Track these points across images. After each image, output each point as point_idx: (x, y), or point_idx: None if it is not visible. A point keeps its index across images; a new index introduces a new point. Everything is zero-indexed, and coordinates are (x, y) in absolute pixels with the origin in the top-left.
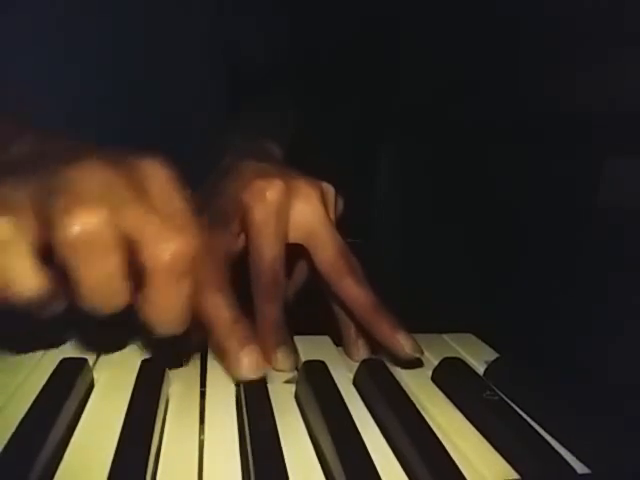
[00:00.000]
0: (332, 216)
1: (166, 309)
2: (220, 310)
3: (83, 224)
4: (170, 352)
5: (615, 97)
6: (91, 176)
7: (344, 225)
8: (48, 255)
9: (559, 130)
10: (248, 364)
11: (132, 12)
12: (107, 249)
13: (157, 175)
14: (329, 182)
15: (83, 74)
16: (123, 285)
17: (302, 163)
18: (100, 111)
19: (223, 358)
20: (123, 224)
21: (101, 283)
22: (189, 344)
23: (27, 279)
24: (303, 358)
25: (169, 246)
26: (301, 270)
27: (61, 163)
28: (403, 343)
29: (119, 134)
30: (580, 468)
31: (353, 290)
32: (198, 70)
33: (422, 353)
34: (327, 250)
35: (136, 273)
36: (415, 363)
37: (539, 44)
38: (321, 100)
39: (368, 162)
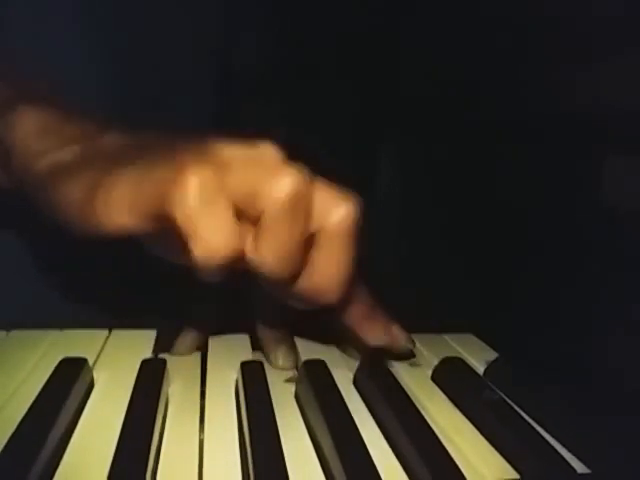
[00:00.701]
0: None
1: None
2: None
3: (296, 184)
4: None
5: (615, 97)
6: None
7: None
8: None
9: (559, 130)
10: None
11: (122, 15)
12: (306, 210)
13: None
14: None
15: (75, 78)
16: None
17: (302, 163)
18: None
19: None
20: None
21: (295, 243)
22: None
23: (230, 234)
24: (303, 358)
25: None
26: None
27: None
28: (397, 335)
29: None
30: (580, 468)
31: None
32: (192, 73)
33: (414, 345)
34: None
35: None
36: (408, 355)
37: (539, 44)
38: (321, 100)
39: (368, 162)
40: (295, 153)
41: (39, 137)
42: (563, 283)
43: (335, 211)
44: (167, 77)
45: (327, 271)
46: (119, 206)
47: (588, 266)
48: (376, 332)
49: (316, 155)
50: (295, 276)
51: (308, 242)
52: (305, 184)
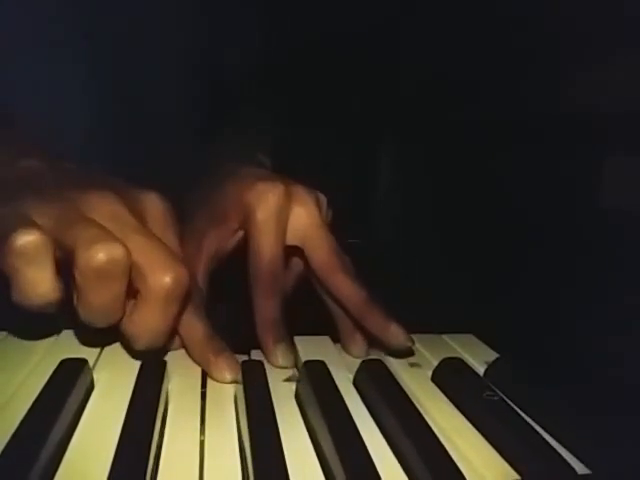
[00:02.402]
0: (326, 221)
1: (152, 328)
2: (195, 329)
3: (104, 257)
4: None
5: (615, 97)
6: (106, 207)
7: (344, 225)
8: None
9: (559, 130)
10: (228, 367)
11: (113, 26)
12: (119, 277)
13: (155, 208)
14: (329, 182)
15: (65, 89)
16: (122, 305)
17: (302, 163)
18: (83, 127)
19: (203, 366)
20: (132, 253)
21: (106, 304)
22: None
23: (47, 290)
24: (303, 358)
25: (169, 275)
26: (297, 271)
27: (78, 190)
28: (396, 333)
29: (102, 150)
30: (580, 468)
31: (346, 286)
32: (184, 81)
33: (413, 343)
34: (321, 250)
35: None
36: (407, 352)
37: (539, 44)
38: (321, 100)
39: (368, 162)
40: (295, 153)
41: None
42: (563, 283)
43: (163, 275)
44: (150, 90)
45: (144, 323)
46: None
47: (588, 266)
48: (375, 330)
49: (316, 155)
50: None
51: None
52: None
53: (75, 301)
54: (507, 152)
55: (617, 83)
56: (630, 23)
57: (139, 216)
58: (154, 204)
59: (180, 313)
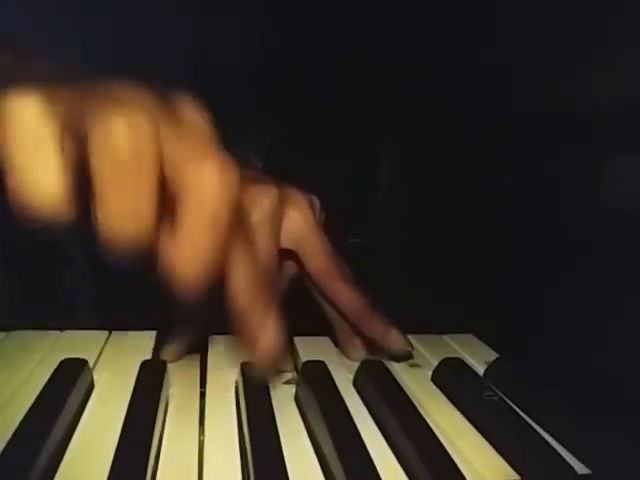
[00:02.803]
0: (319, 224)
1: (195, 252)
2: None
3: (126, 130)
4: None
5: (615, 97)
6: (129, 91)
7: (344, 225)
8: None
9: (559, 130)
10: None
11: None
12: (147, 164)
13: (190, 108)
14: (329, 182)
15: None
16: (154, 214)
17: (302, 163)
18: None
19: (240, 332)
20: (163, 142)
21: (131, 204)
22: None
23: (52, 183)
24: (303, 359)
25: (212, 176)
26: (290, 274)
27: (96, 81)
28: (396, 338)
29: None
30: (580, 468)
31: (345, 293)
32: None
33: (412, 348)
34: (318, 256)
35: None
36: (407, 356)
37: (539, 44)
38: (321, 100)
39: (368, 162)
40: (295, 154)
41: None
42: (563, 283)
43: (206, 176)
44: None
45: (186, 246)
46: None
47: (588, 266)
48: (375, 336)
49: (316, 155)
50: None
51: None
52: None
53: (93, 212)
54: (507, 152)
55: (617, 83)
56: (630, 23)
57: (172, 113)
58: (189, 104)
59: (230, 240)
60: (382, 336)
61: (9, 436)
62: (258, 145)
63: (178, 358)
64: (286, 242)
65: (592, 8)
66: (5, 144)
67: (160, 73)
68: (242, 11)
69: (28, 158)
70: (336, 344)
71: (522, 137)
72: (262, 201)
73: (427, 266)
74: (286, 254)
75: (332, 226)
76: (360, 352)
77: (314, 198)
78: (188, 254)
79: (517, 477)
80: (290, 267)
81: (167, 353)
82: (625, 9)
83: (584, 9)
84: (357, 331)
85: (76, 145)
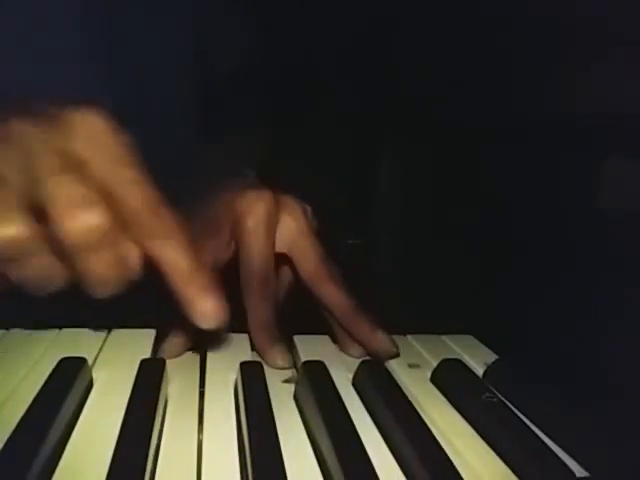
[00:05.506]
0: (312, 230)
1: (100, 274)
2: (179, 258)
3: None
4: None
5: (615, 97)
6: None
7: (344, 225)
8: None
9: (559, 131)
10: (211, 309)
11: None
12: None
13: (94, 131)
14: (329, 182)
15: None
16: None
17: (302, 163)
18: None
19: (185, 307)
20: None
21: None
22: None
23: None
24: (303, 358)
25: (76, 224)
26: (287, 279)
27: None
28: (382, 340)
29: None
30: (579, 471)
31: (333, 295)
32: (175, 85)
33: (398, 348)
34: (309, 259)
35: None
36: (393, 357)
37: (539, 44)
38: (320, 100)
39: (368, 162)
40: (293, 155)
41: None
42: (563, 284)
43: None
44: (137, 95)
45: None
46: None
47: (588, 267)
48: (362, 337)
49: (316, 156)
50: None
51: None
52: None
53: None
54: (507, 153)
55: (617, 83)
56: (630, 23)
57: (61, 149)
58: (91, 127)
59: (147, 244)
60: (369, 338)
61: (8, 434)
62: (258, 143)
63: (177, 355)
64: (280, 246)
65: (592, 8)
66: None
67: (158, 79)
68: (240, 11)
69: None
70: (336, 341)
71: (522, 138)
72: (258, 205)
73: (427, 267)
74: (283, 259)
75: (332, 227)
76: (359, 349)
77: (307, 206)
78: (94, 272)
79: (515, 479)
80: (287, 273)
81: (166, 350)
82: (625, 9)
83: (584, 9)
84: (346, 332)
85: None
